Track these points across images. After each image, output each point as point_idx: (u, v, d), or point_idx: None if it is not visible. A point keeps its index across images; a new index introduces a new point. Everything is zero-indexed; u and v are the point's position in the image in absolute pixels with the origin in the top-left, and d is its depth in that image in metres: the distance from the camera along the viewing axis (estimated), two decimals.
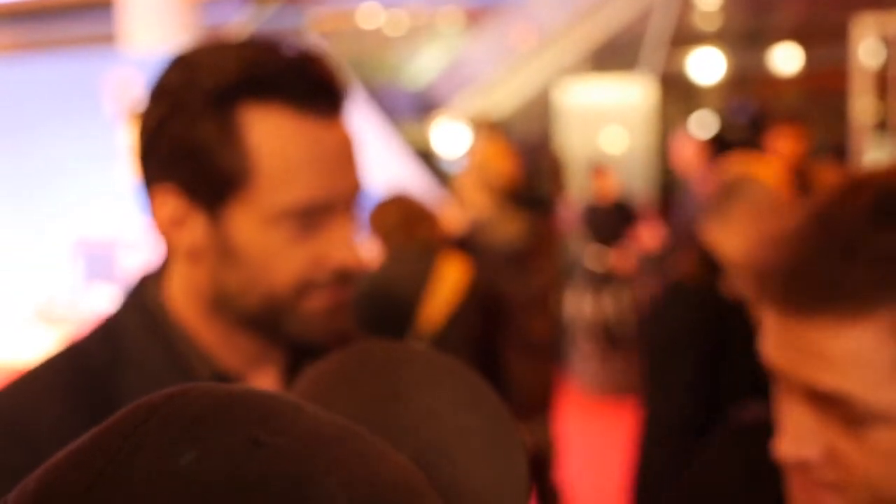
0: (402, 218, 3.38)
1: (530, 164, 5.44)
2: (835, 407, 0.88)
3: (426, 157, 9.03)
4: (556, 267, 4.53)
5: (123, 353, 1.12)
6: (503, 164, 4.47)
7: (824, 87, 11.78)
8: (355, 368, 0.70)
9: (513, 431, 0.70)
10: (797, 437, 0.91)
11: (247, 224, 1.06)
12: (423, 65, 12.41)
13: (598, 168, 8.06)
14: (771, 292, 0.91)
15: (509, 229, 4.31)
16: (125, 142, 3.15)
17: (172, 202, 1.08)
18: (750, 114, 9.77)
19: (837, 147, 8.85)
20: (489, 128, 5.84)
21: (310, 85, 1.07)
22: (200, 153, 1.05)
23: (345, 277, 1.10)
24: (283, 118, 1.06)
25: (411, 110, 11.05)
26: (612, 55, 11.10)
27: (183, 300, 1.14)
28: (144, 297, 1.16)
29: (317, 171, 1.06)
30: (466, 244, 4.03)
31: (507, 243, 4.28)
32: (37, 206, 10.54)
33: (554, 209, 5.56)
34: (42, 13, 14.47)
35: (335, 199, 1.08)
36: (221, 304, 1.11)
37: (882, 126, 9.25)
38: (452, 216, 4.61)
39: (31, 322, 10.05)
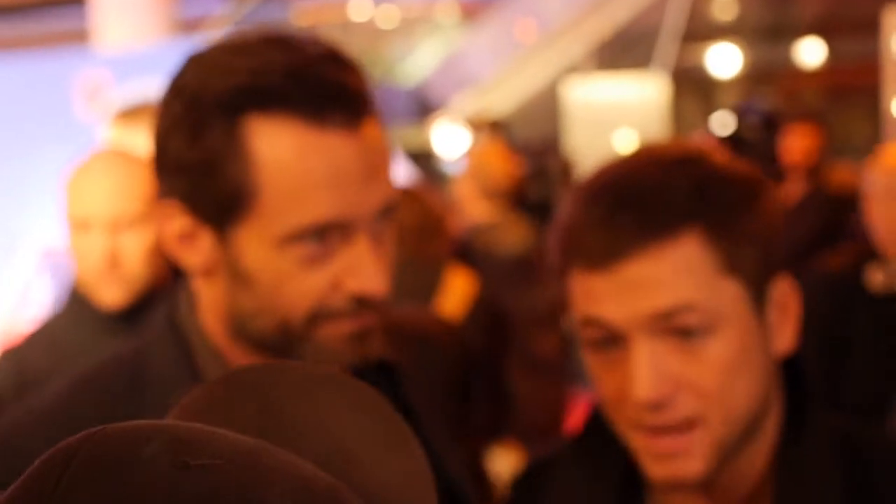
0: (418, 224, 3.24)
1: (535, 166, 5.33)
2: (674, 329, 1.02)
3: (421, 160, 8.95)
4: None
5: (148, 382, 1.09)
6: (504, 167, 4.37)
7: (850, 83, 11.70)
8: (226, 393, 0.71)
9: (403, 427, 0.72)
10: (650, 379, 1.01)
11: (255, 246, 1.02)
12: (419, 60, 12.33)
13: None
14: (587, 256, 1.05)
15: (513, 236, 4.21)
16: (102, 145, 3.05)
17: (179, 218, 1.05)
18: (760, 113, 9.79)
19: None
20: (490, 127, 5.73)
21: (324, 93, 1.02)
22: (204, 168, 1.02)
23: (365, 304, 1.05)
24: (291, 131, 1.01)
25: (405, 109, 10.96)
26: (622, 51, 11.02)
27: (208, 318, 1.11)
28: (176, 315, 1.13)
29: (332, 188, 1.02)
30: (466, 253, 3.91)
31: (511, 252, 4.18)
32: (4, 213, 10.43)
33: None
34: (12, 10, 14.42)
35: (354, 217, 1.03)
36: (236, 326, 1.07)
37: None
38: (453, 222, 4.51)
39: None
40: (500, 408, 3.35)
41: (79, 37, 12.39)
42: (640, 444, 1.05)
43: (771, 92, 12.39)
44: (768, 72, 12.54)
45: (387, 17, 12.59)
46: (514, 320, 3.87)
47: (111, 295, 2.05)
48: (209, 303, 1.10)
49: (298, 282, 1.03)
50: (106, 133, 3.13)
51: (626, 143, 9.76)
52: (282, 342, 1.05)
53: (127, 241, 2.04)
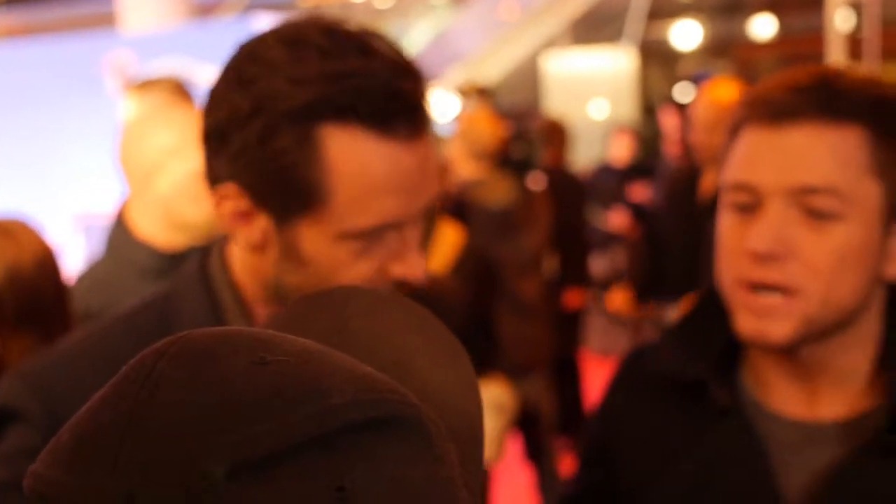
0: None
1: (518, 129, 5.27)
2: (810, 207, 1.02)
3: None
4: (547, 229, 4.37)
5: (177, 329, 1.02)
6: (490, 130, 4.32)
7: (799, 53, 11.63)
8: (303, 311, 0.72)
9: (456, 343, 0.74)
10: (770, 233, 1.02)
11: (315, 238, 1.00)
12: (413, 37, 12.23)
13: (622, 129, 7.88)
14: (765, 110, 1.05)
15: (498, 192, 4.17)
16: (120, 117, 3.02)
17: (237, 200, 1.01)
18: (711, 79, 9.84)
19: None
20: (478, 93, 5.67)
21: (394, 106, 0.98)
22: (274, 168, 0.97)
23: (403, 287, 1.05)
24: (363, 141, 0.98)
25: None
26: (595, 27, 10.93)
27: (245, 278, 1.08)
28: (209, 271, 1.10)
29: (395, 194, 1.00)
30: (456, 207, 3.88)
31: (497, 206, 4.14)
32: (39, 182, 10.39)
33: (544, 173, 5.40)
34: None
35: (407, 218, 1.02)
36: (278, 295, 1.04)
37: None
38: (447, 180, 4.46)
39: None
40: (489, 345, 3.33)
41: (106, 20, 12.27)
42: (740, 298, 1.06)
43: (728, 62, 12.31)
44: (726, 44, 12.45)
45: None
46: (500, 267, 3.84)
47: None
48: (249, 270, 1.07)
49: (350, 269, 1.01)
50: (124, 104, 3.07)
51: (598, 108, 9.71)
52: None
53: None
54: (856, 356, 1.09)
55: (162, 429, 0.46)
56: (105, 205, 8.91)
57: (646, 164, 7.63)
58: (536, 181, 5.21)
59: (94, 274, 2.11)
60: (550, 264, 4.79)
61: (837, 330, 1.07)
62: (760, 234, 1.03)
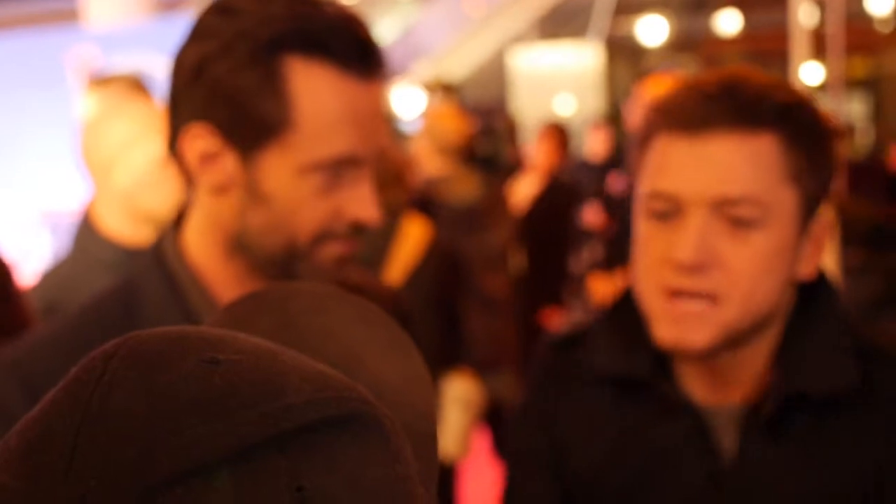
0: (379, 175, 3.18)
1: (484, 125, 5.30)
2: (731, 216, 1.05)
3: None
4: (512, 225, 4.40)
5: (140, 312, 1.11)
6: (456, 126, 4.34)
7: (764, 49, 11.73)
8: (247, 310, 0.71)
9: (403, 335, 0.73)
10: (695, 243, 1.04)
11: (279, 171, 1.06)
12: (380, 32, 12.22)
13: (597, 124, 7.89)
14: (678, 119, 1.06)
15: (464, 187, 4.19)
16: (80, 112, 3.00)
17: (205, 139, 1.06)
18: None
19: None
20: (444, 90, 5.69)
21: (354, 45, 1.07)
22: (242, 99, 1.04)
23: (358, 231, 1.10)
24: (327, 75, 1.06)
25: None
26: (561, 23, 10.97)
27: (201, 240, 1.12)
28: (163, 250, 1.14)
29: (352, 128, 1.07)
30: (422, 203, 3.89)
31: (462, 202, 4.16)
32: (6, 179, 10.30)
33: (509, 169, 5.43)
34: None
35: (363, 156, 1.09)
36: (240, 243, 1.10)
37: (822, 87, 9.18)
38: (411, 175, 4.48)
39: None
40: (455, 340, 3.35)
41: (71, 16, 12.18)
42: (660, 307, 1.08)
43: (693, 58, 12.40)
44: (691, 40, 12.54)
45: None
46: (466, 263, 3.86)
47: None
48: (210, 220, 1.11)
49: (311, 207, 1.06)
50: (84, 100, 3.07)
51: (564, 104, 9.75)
52: (283, 259, 1.09)
53: None
54: (762, 356, 1.13)
55: (116, 431, 0.45)
56: (72, 202, 8.86)
57: (621, 158, 7.66)
58: (529, 185, 5.21)
59: (59, 271, 2.11)
60: (518, 260, 4.81)
61: (752, 335, 1.10)
62: (686, 244, 1.05)
